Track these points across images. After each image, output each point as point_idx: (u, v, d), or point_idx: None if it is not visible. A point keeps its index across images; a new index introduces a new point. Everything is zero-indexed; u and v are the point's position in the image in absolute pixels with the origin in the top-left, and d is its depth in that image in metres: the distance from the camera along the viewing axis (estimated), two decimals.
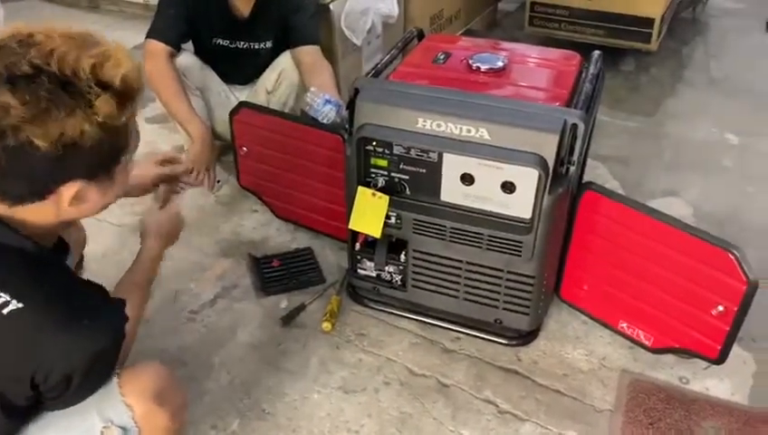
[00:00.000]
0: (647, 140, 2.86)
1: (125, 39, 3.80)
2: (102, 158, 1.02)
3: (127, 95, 1.00)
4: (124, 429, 1.13)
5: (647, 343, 1.73)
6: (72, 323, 1.01)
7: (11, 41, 0.97)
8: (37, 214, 1.03)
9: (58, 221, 1.06)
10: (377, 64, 1.78)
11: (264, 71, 2.40)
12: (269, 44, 2.35)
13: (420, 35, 1.98)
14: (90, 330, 1.03)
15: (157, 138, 2.80)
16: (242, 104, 2.10)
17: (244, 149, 2.12)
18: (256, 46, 2.34)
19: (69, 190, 1.00)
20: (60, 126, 0.93)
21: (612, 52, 3.29)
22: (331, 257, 2.11)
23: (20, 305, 0.97)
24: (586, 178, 1.99)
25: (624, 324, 1.76)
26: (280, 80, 2.34)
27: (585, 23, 3.26)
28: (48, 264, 1.08)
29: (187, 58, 2.31)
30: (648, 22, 3.13)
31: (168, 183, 1.58)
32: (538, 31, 3.43)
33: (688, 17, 4.06)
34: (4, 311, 0.96)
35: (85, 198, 1.04)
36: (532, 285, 1.68)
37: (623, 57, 3.49)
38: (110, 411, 1.12)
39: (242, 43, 2.33)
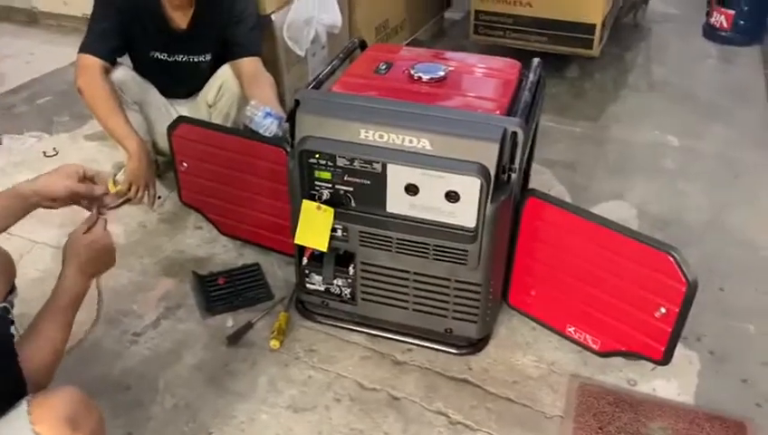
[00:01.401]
0: (592, 145, 2.93)
1: (65, 55, 3.74)
2: None
3: None
4: None
5: (594, 346, 1.76)
6: None
7: None
8: None
9: None
10: (317, 75, 1.76)
11: (204, 83, 2.36)
12: (208, 57, 2.32)
13: (363, 45, 1.98)
14: None
15: (97, 155, 2.74)
16: (180, 119, 2.06)
17: (185, 164, 2.08)
18: (196, 59, 2.31)
19: None
20: None
21: (557, 58, 3.36)
22: (279, 273, 2.09)
23: None
24: (532, 183, 2.02)
25: (572, 329, 1.79)
26: (221, 92, 2.31)
27: (528, 30, 3.32)
28: None
29: (124, 72, 2.25)
30: (590, 28, 3.21)
31: (88, 203, 1.48)
32: (483, 39, 3.47)
33: (630, 23, 4.18)
34: None
35: None
36: (479, 292, 1.69)
37: (567, 64, 3.56)
38: None
39: (180, 56, 2.29)
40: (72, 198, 1.45)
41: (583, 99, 3.34)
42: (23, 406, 1.08)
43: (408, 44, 3.55)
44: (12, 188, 1.40)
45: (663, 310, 1.55)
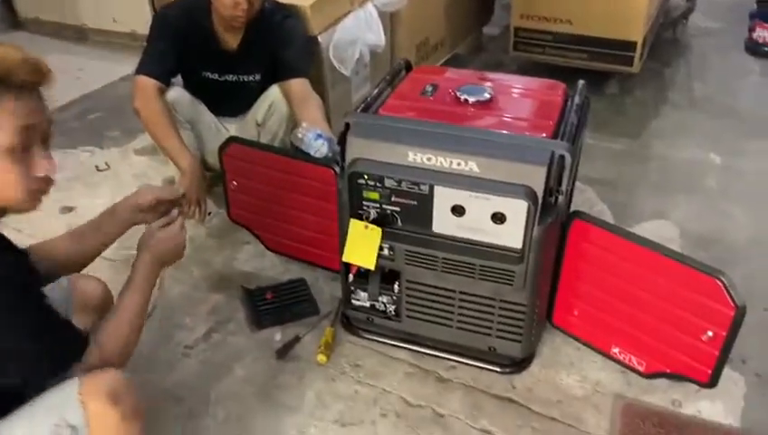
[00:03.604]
0: (633, 162, 2.92)
1: (114, 71, 3.83)
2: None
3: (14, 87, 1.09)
4: (74, 427, 1.16)
5: (639, 368, 1.76)
6: None
7: None
8: None
9: None
10: (366, 98, 1.80)
11: (253, 103, 2.43)
12: (258, 77, 2.38)
13: (408, 67, 2.02)
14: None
15: (147, 170, 2.83)
16: (231, 139, 2.13)
17: (234, 183, 2.15)
18: (245, 79, 2.38)
19: None
20: None
21: (596, 75, 3.36)
22: (324, 288, 2.13)
23: None
24: (574, 201, 2.03)
25: (616, 350, 1.79)
26: (270, 112, 2.37)
27: (568, 47, 3.33)
28: None
29: (177, 92, 2.33)
30: (630, 45, 3.20)
31: (166, 209, 1.60)
32: (522, 55, 3.50)
33: (669, 38, 4.16)
34: None
35: None
36: (524, 313, 1.71)
37: (607, 80, 3.56)
38: (66, 410, 1.16)
39: (231, 75, 2.36)
40: (158, 207, 1.55)
41: (623, 115, 3.33)
42: (75, 379, 1.18)
43: (447, 61, 3.58)
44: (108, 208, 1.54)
45: (710, 333, 1.55)
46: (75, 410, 1.16)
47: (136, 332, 1.34)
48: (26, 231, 1.97)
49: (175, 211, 1.55)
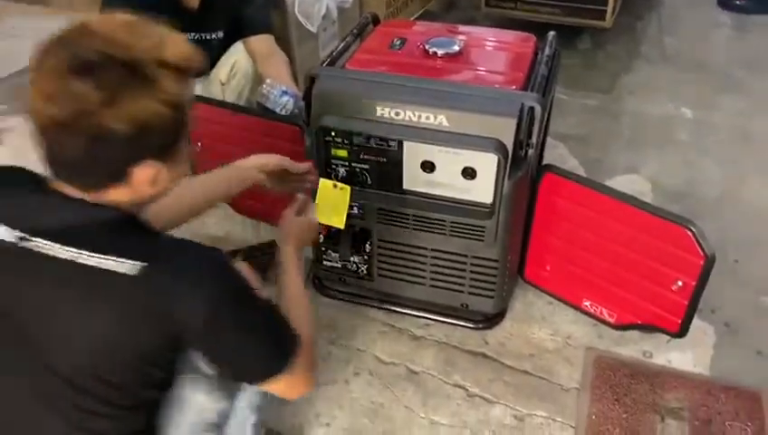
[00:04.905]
0: (605, 117, 2.91)
1: None
2: (170, 135, 1.04)
3: (185, 72, 1.03)
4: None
5: (610, 320, 1.77)
6: (191, 269, 1.05)
7: (70, 33, 0.98)
8: (114, 196, 1.05)
9: (132, 202, 1.07)
10: (332, 52, 1.76)
11: (217, 62, 2.36)
12: (221, 35, 2.31)
13: (375, 21, 1.97)
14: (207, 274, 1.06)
15: None
16: (195, 99, 2.06)
17: (199, 144, 2.09)
18: (207, 37, 2.30)
19: (142, 171, 1.02)
20: (132, 108, 0.96)
21: (569, 30, 3.32)
22: None
23: (141, 263, 1.00)
24: (546, 157, 2.03)
25: (587, 303, 1.80)
26: (234, 70, 2.31)
27: (540, 2, 3.28)
28: (148, 229, 1.12)
29: None
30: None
31: (288, 181, 1.64)
32: (494, 11, 3.44)
33: None
34: (128, 271, 0.99)
35: (156, 177, 1.05)
36: (496, 268, 1.71)
37: (579, 35, 3.52)
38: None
39: (192, 34, 2.28)
40: (281, 173, 1.61)
41: (596, 70, 3.31)
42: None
43: (418, 17, 3.52)
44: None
45: (680, 283, 1.57)
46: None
47: (311, 313, 1.36)
48: None
49: (304, 196, 1.61)
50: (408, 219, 1.69)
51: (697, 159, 2.61)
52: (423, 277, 1.79)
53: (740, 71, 3.28)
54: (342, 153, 1.65)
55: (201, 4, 2.22)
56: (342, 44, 1.80)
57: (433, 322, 1.87)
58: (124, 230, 1.05)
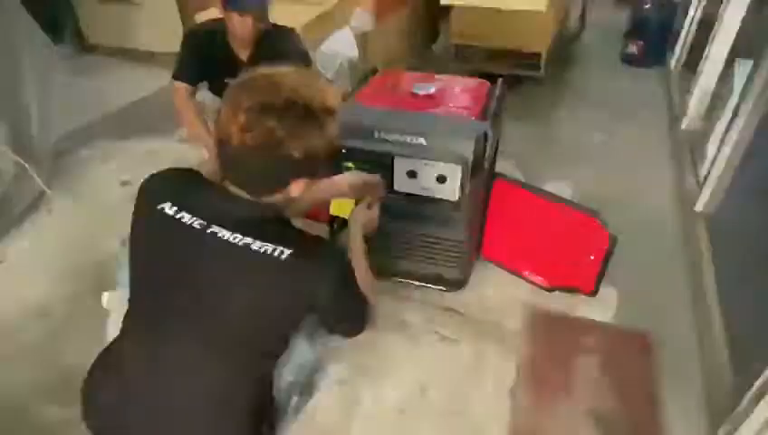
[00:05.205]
0: (539, 140, 2.92)
1: (162, 78, 3.66)
2: (323, 162, 1.03)
3: (336, 116, 1.03)
4: None
5: (543, 284, 1.77)
6: (325, 259, 1.05)
7: (259, 82, 0.98)
8: (269, 199, 1.05)
9: (279, 203, 1.07)
10: (345, 93, 1.76)
11: None
12: None
13: (375, 71, 1.96)
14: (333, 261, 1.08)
15: (186, 154, 2.73)
16: None
17: None
18: None
19: (297, 184, 1.02)
20: (307, 141, 0.96)
21: (514, 78, 3.33)
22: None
23: (290, 251, 0.99)
24: (497, 168, 2.02)
25: (526, 272, 1.80)
26: None
27: (493, 58, 3.28)
28: (290, 224, 1.12)
29: (204, 93, 2.26)
30: (537, 55, 3.17)
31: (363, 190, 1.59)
32: (462, 66, 3.44)
33: (567, 49, 4.12)
34: (282, 256, 0.98)
35: (304, 189, 1.05)
36: (460, 247, 1.71)
37: (522, 81, 3.52)
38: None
39: None
40: (362, 189, 1.54)
41: (533, 108, 3.32)
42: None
43: (407, 69, 3.51)
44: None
45: (592, 257, 1.57)
46: None
47: (373, 284, 1.36)
48: (83, 200, 1.90)
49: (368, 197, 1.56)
50: (397, 212, 1.68)
51: (604, 168, 2.61)
52: (408, 254, 1.79)
53: (633, 106, 3.30)
54: (350, 165, 1.65)
55: (249, 59, 2.22)
56: (352, 89, 1.80)
57: (415, 287, 1.86)
58: (277, 224, 1.05)
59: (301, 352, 1.24)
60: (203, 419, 1.08)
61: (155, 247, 1.06)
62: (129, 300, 1.11)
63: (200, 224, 1.01)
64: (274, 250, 0.98)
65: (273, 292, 1.00)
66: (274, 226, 1.03)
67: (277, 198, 1.04)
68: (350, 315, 1.16)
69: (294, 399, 1.29)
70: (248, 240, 0.99)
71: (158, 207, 1.05)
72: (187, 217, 1.02)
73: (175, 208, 1.03)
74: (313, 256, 1.03)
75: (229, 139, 0.96)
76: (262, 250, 0.98)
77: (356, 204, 1.55)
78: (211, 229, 1.00)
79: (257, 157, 0.96)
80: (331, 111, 0.99)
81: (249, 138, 0.94)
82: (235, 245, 0.99)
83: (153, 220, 1.05)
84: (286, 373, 1.25)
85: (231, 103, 0.97)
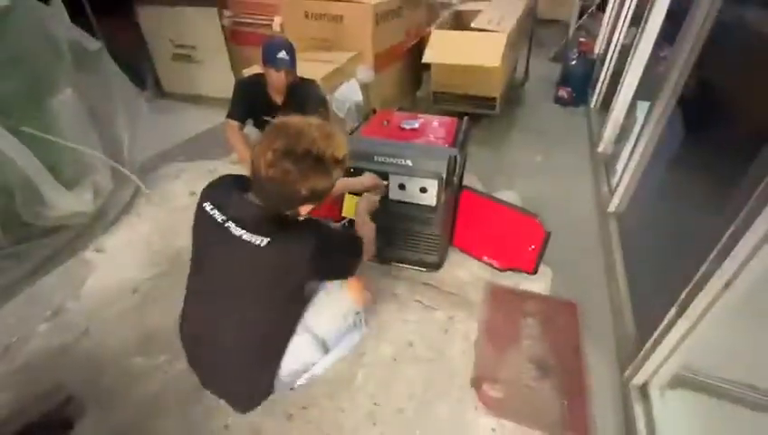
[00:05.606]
0: (496, 161, 2.90)
1: (219, 117, 3.64)
2: (325, 195, 1.03)
3: (344, 164, 1.02)
4: (359, 312, 1.21)
5: (498, 266, 1.78)
6: (299, 242, 1.02)
7: (290, 130, 0.96)
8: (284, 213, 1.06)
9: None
10: (353, 128, 1.76)
11: None
12: None
13: (374, 111, 1.97)
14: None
15: (235, 172, 2.71)
16: None
17: None
18: None
19: (304, 208, 1.04)
20: (314, 183, 0.96)
21: (478, 115, 3.31)
22: None
23: (268, 240, 1.00)
24: (465, 181, 2.01)
25: (485, 257, 1.80)
26: None
27: (462, 101, 3.27)
28: (292, 220, 1.09)
29: (249, 128, 2.25)
30: (493, 99, 3.16)
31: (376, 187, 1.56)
32: (439, 106, 3.42)
33: (515, 94, 4.11)
34: (261, 244, 0.98)
35: (308, 210, 1.06)
36: (438, 239, 1.71)
37: (483, 117, 3.51)
38: (349, 301, 1.19)
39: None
40: (373, 185, 1.51)
41: (491, 137, 3.30)
42: (345, 280, 1.20)
43: (398, 109, 3.50)
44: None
45: (532, 247, 1.57)
46: (350, 300, 1.18)
47: (372, 230, 1.34)
48: (162, 205, 1.89)
49: (382, 191, 1.55)
50: (392, 214, 1.68)
51: (542, 181, 2.61)
52: (399, 245, 1.78)
53: (563, 135, 3.29)
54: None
55: (283, 102, 2.21)
56: (358, 125, 1.79)
57: (405, 268, 1.85)
58: (272, 222, 1.03)
59: (338, 299, 1.21)
60: (250, 344, 1.09)
61: (200, 233, 1.10)
62: (191, 269, 1.15)
63: (222, 219, 1.04)
64: (257, 240, 0.99)
65: (261, 270, 1.02)
66: (270, 223, 1.03)
67: (290, 213, 1.05)
68: (334, 272, 1.14)
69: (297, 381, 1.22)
70: (252, 235, 1.00)
71: (203, 205, 1.09)
72: (217, 214, 1.05)
73: (211, 207, 1.06)
74: (290, 236, 1.02)
75: (258, 168, 0.97)
76: (250, 240, 1.00)
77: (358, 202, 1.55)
78: (227, 224, 1.03)
79: (275, 187, 0.96)
80: (338, 162, 0.99)
81: (271, 172, 0.94)
82: (241, 238, 1.01)
83: (200, 215, 1.09)
84: (289, 364, 1.17)
85: (265, 141, 0.97)
